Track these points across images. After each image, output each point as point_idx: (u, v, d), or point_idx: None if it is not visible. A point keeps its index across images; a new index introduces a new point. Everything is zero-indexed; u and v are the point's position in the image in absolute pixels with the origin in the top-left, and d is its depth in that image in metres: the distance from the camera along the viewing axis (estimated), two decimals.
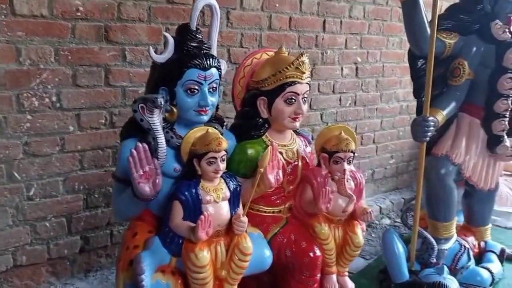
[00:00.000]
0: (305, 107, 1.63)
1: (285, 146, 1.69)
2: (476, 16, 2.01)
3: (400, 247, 1.99)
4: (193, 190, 1.42)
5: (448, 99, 2.06)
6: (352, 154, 1.68)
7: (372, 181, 3.41)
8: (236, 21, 2.40)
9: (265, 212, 1.69)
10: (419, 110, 2.10)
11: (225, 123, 1.72)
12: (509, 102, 2.02)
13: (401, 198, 3.45)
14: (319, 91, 2.88)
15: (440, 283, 1.83)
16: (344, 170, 1.66)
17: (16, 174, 1.89)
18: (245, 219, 1.45)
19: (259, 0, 2.46)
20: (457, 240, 2.16)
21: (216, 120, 1.64)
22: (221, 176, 1.49)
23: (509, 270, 2.26)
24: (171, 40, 1.47)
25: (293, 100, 1.60)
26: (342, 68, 2.97)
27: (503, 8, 1.99)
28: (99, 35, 1.98)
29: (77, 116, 2.00)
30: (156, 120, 1.41)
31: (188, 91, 1.47)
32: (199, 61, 1.46)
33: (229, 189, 1.49)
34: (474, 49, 2.03)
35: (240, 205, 1.53)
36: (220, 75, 1.55)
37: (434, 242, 2.04)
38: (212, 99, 1.51)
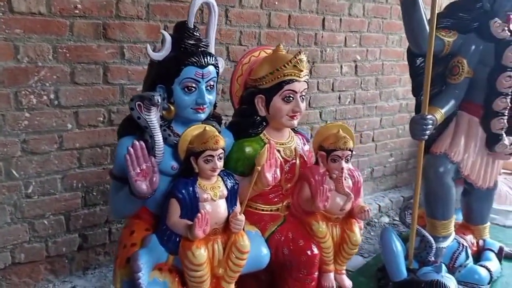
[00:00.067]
0: (303, 105, 1.62)
1: (283, 144, 1.69)
2: (475, 14, 2.01)
3: (398, 245, 1.99)
4: (190, 188, 1.42)
5: (447, 98, 2.06)
6: (350, 152, 1.67)
7: (371, 179, 3.41)
8: (235, 18, 2.40)
9: (262, 210, 1.69)
10: (418, 108, 2.10)
11: (223, 121, 1.72)
12: (508, 100, 2.01)
13: (400, 196, 3.45)
14: (318, 89, 2.87)
15: (438, 282, 1.83)
16: (342, 168, 1.66)
17: (14, 172, 1.89)
18: (242, 217, 1.45)
19: None
20: (455, 239, 2.16)
21: (214, 118, 1.64)
22: (219, 174, 1.49)
23: (507, 268, 2.26)
24: (168, 38, 1.47)
25: (291, 98, 1.59)
26: (341, 66, 2.96)
27: (502, 6, 1.98)
28: (97, 32, 1.98)
29: (75, 113, 2.00)
30: (153, 118, 1.40)
31: (186, 89, 1.47)
32: (197, 59, 1.46)
33: (226, 187, 1.49)
34: (473, 47, 2.03)
35: (238, 203, 1.53)
36: (217, 73, 1.55)
37: (432, 240, 2.04)
38: (209, 97, 1.51)
